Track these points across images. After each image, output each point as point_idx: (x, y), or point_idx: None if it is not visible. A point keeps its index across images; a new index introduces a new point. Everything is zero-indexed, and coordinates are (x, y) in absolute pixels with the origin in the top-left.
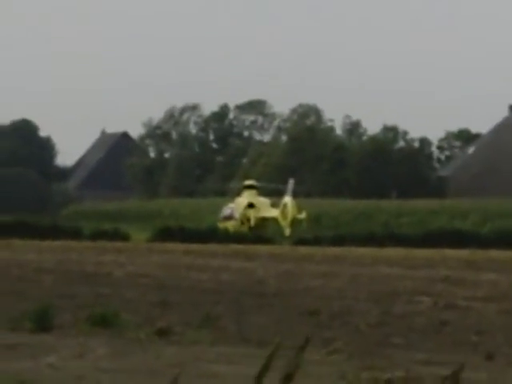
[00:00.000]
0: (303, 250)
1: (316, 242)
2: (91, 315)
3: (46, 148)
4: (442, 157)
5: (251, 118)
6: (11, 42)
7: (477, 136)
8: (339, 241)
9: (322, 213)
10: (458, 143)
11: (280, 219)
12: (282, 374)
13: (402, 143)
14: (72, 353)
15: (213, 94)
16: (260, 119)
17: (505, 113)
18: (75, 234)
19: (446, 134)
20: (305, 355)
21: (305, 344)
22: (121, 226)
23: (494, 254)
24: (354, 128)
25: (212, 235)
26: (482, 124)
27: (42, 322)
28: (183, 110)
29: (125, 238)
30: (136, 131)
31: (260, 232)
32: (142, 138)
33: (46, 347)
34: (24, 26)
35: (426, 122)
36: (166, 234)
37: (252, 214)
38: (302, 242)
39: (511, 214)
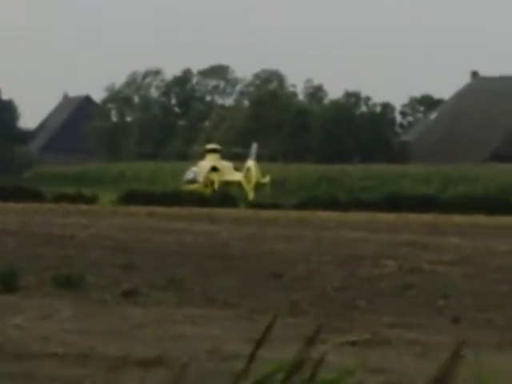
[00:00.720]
0: (267, 213)
1: (278, 205)
2: (56, 277)
3: (7, 110)
4: (405, 122)
5: (213, 82)
6: None
7: (439, 102)
8: (302, 205)
9: (285, 177)
10: (421, 109)
11: (244, 183)
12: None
13: (364, 108)
14: (37, 314)
15: (175, 59)
16: (222, 84)
17: (467, 79)
18: (38, 197)
19: (409, 99)
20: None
21: (315, 334)
22: (83, 189)
23: (457, 218)
24: (315, 92)
25: (175, 198)
26: (445, 90)
27: (7, 283)
28: (145, 74)
29: (88, 200)
30: (99, 95)
31: (224, 193)
32: (105, 101)
33: (11, 308)
34: None
35: (389, 87)
36: (130, 197)
37: (215, 177)
38: (264, 206)
39: (473, 179)
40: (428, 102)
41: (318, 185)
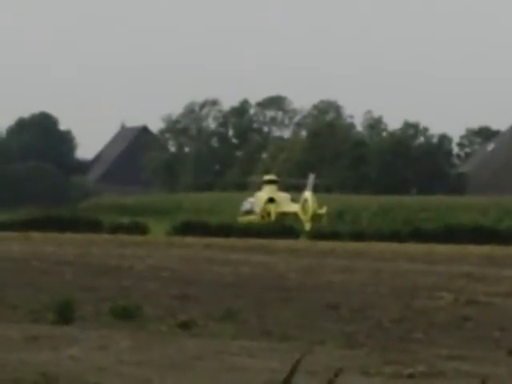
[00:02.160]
0: (323, 244)
1: (336, 236)
2: (113, 307)
3: (65, 141)
4: (462, 153)
5: (271, 113)
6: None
7: (496, 133)
8: (359, 236)
9: (342, 208)
10: (478, 140)
11: (300, 214)
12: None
13: (422, 139)
14: (94, 345)
15: (233, 89)
16: (280, 115)
17: None
18: (95, 227)
19: (467, 130)
20: (328, 351)
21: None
22: (140, 219)
23: None
24: (374, 124)
25: (232, 229)
26: (502, 121)
27: (64, 314)
28: (203, 104)
29: (144, 231)
30: (156, 125)
31: (281, 224)
32: (162, 132)
33: (68, 339)
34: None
35: (448, 118)
36: (187, 228)
37: (272, 208)
38: (321, 236)
39: None
40: (485, 133)
41: (375, 216)
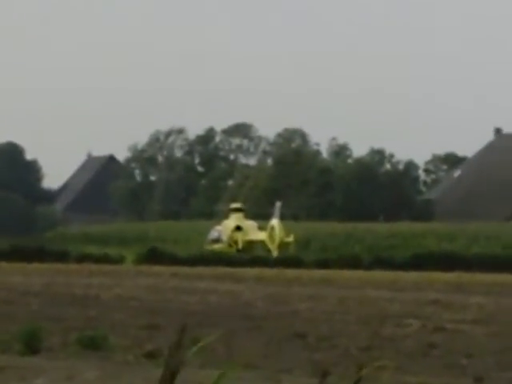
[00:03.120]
0: (290, 272)
1: (302, 264)
2: (80, 338)
3: (31, 171)
4: (429, 180)
5: (237, 141)
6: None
7: (463, 159)
8: (325, 263)
9: (309, 236)
10: (444, 166)
11: (267, 242)
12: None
13: (388, 166)
14: (61, 375)
15: (198, 117)
16: (245, 143)
17: (490, 136)
18: (62, 257)
19: (433, 157)
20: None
21: (180, 338)
22: (107, 249)
23: (481, 276)
24: (340, 151)
25: (199, 258)
26: (468, 147)
27: (31, 345)
28: (168, 133)
29: (112, 261)
30: (122, 154)
31: (247, 254)
32: (128, 161)
33: (35, 370)
34: (25, 45)
35: (413, 144)
36: (153, 257)
37: (239, 236)
38: (288, 263)
39: (497, 237)
40: (451, 160)
41: (342, 244)
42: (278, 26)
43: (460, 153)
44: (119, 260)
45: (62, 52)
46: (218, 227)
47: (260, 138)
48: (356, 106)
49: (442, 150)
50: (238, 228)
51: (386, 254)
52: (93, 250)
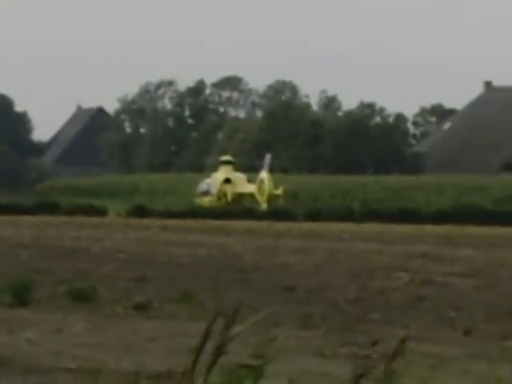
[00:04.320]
0: (279, 225)
1: (291, 216)
2: (69, 290)
3: (21, 123)
4: (418, 132)
5: (227, 94)
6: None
7: (451, 111)
8: (316, 216)
9: (298, 188)
10: (433, 119)
11: (257, 195)
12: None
13: (378, 119)
14: (50, 328)
15: (188, 70)
16: (235, 95)
17: (480, 89)
18: (52, 210)
19: (420, 109)
20: (283, 332)
21: (234, 316)
22: (97, 201)
23: (470, 229)
24: (329, 103)
25: (188, 210)
26: (458, 100)
27: (20, 297)
28: (159, 85)
29: (101, 213)
30: (112, 107)
31: (237, 206)
32: (118, 113)
33: (24, 322)
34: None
35: (402, 97)
36: (143, 210)
37: (229, 189)
38: (277, 216)
39: (486, 190)
40: (439, 112)
41: (331, 196)
42: None
43: (449, 105)
44: (108, 212)
45: (52, 2)
46: (208, 180)
47: (250, 91)
48: (345, 58)
49: (429, 104)
50: (227, 181)
51: (375, 206)
52: (82, 202)
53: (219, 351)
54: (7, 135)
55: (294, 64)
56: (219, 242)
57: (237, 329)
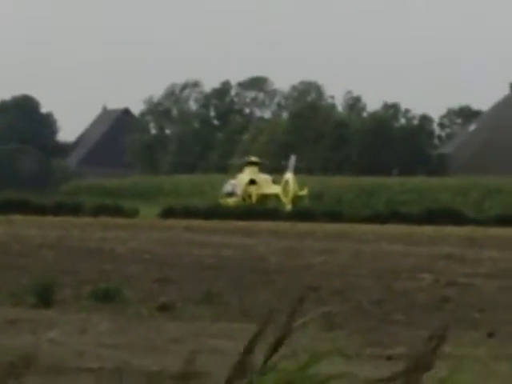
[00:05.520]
0: (304, 226)
1: (316, 218)
2: (93, 291)
3: (46, 124)
4: (443, 134)
5: (252, 94)
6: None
7: (477, 113)
8: (339, 217)
9: (323, 190)
10: (459, 120)
11: (281, 196)
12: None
13: (402, 120)
14: (73, 328)
15: (214, 71)
16: (261, 96)
17: (506, 90)
18: (76, 210)
19: (447, 110)
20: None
21: (297, 306)
22: (122, 202)
23: (495, 231)
24: (354, 104)
25: (213, 211)
26: (483, 101)
27: (44, 297)
28: (184, 86)
29: (126, 214)
30: (137, 108)
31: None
32: (143, 114)
33: (48, 322)
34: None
35: (427, 99)
36: (169, 212)
37: (254, 190)
38: (302, 217)
39: (511, 191)
40: (466, 114)
41: (356, 198)
42: None
43: (475, 106)
44: (134, 213)
45: (75, 3)
46: (233, 181)
47: (275, 92)
48: (371, 59)
49: (456, 104)
50: (252, 182)
51: (400, 208)
52: (108, 203)
53: (278, 343)
54: (33, 136)
55: (318, 64)
56: (243, 243)
57: (299, 320)
